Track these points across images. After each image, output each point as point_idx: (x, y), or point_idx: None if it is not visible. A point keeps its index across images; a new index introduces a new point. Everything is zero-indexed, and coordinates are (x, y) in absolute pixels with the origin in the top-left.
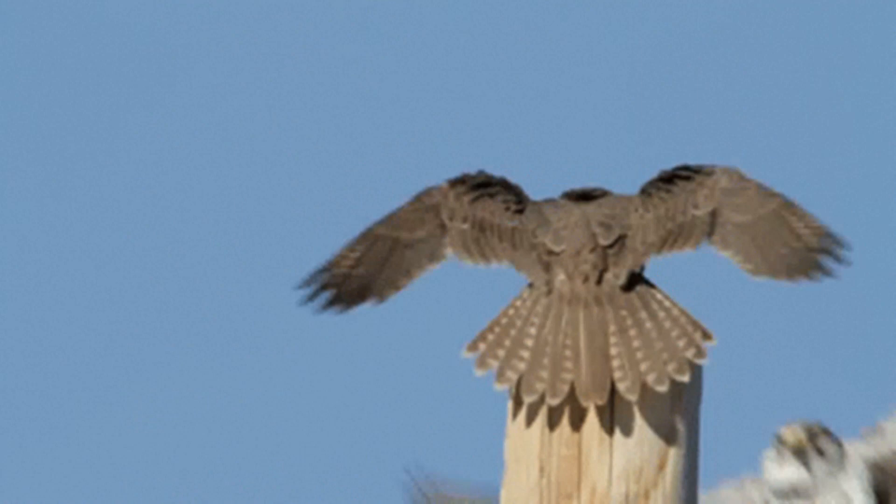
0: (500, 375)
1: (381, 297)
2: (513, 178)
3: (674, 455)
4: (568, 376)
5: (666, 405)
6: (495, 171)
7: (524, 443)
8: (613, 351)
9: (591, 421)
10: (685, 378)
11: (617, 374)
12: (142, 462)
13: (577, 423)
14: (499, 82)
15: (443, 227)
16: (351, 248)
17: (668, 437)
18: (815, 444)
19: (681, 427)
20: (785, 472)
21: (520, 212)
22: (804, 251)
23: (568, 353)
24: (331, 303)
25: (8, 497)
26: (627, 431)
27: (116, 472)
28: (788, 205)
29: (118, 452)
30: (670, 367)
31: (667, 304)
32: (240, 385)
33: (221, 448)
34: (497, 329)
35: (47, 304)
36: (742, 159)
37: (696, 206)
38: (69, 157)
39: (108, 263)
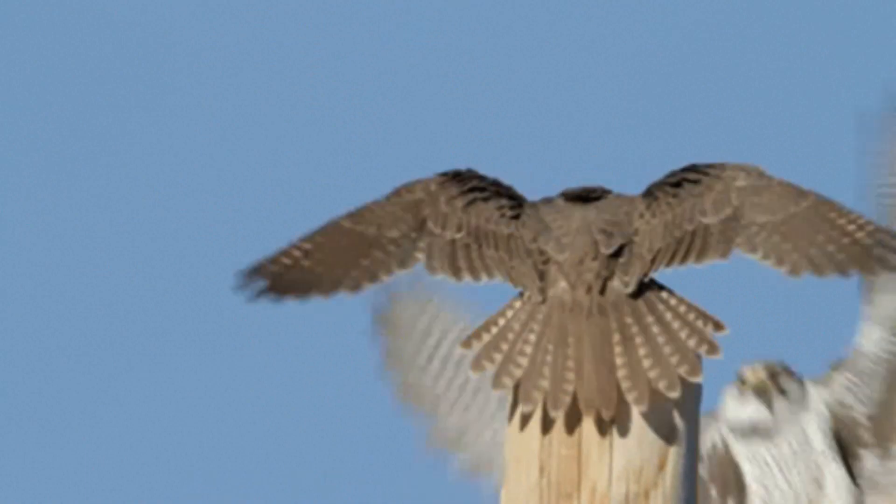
0: (496, 379)
1: (328, 293)
2: (511, 177)
3: (674, 455)
4: (569, 387)
5: (666, 405)
6: (493, 169)
7: (524, 443)
8: (619, 361)
9: (591, 421)
10: (699, 379)
11: (625, 385)
12: (126, 461)
13: (577, 423)
14: (498, 81)
15: (421, 229)
16: (307, 238)
17: (668, 436)
18: (777, 384)
19: (681, 427)
20: (746, 410)
21: (516, 217)
22: (854, 246)
23: (570, 363)
24: (264, 292)
25: (8, 497)
26: (627, 431)
27: (108, 471)
28: (825, 201)
29: (110, 451)
30: (682, 370)
31: (672, 301)
32: (225, 382)
33: (213, 447)
34: (493, 329)
35: (30, 304)
36: (752, 158)
37: (703, 213)
38: (66, 156)
39: (99, 263)
